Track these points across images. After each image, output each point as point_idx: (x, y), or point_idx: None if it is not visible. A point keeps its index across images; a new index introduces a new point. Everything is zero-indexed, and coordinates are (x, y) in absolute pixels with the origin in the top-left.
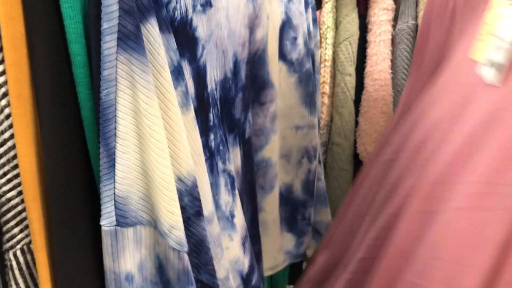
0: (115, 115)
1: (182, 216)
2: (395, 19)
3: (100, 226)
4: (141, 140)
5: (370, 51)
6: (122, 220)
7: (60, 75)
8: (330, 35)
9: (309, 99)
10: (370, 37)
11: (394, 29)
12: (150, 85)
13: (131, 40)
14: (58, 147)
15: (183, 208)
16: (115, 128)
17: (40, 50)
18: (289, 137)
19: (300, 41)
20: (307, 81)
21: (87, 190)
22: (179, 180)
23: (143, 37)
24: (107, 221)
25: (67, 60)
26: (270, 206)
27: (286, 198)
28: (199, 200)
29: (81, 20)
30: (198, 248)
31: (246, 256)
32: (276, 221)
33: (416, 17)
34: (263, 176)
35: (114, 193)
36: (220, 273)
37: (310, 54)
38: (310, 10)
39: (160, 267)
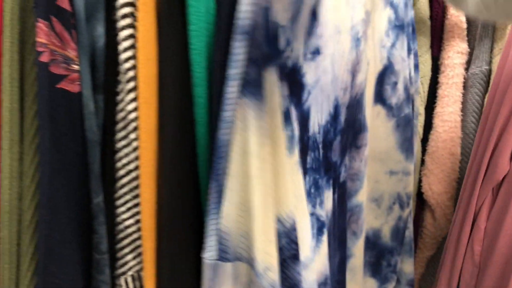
0: (228, 154)
1: (278, 258)
2: (468, 63)
3: (201, 259)
4: (248, 180)
5: (442, 92)
6: (223, 255)
7: (183, 114)
8: None
9: (406, 145)
10: (442, 78)
11: (466, 73)
12: (263, 129)
13: (252, 86)
14: (177, 180)
15: (280, 250)
16: (227, 167)
17: (168, 90)
18: (382, 181)
19: (400, 86)
20: (405, 126)
21: (195, 223)
22: (279, 221)
23: (263, 84)
24: (209, 254)
25: (190, 101)
26: (359, 252)
27: (373, 243)
28: (296, 244)
29: (206, 66)
30: None
31: None
32: (361, 266)
33: (490, 63)
34: (356, 222)
35: (219, 228)
36: None
37: (410, 99)
38: (412, 56)
39: None
